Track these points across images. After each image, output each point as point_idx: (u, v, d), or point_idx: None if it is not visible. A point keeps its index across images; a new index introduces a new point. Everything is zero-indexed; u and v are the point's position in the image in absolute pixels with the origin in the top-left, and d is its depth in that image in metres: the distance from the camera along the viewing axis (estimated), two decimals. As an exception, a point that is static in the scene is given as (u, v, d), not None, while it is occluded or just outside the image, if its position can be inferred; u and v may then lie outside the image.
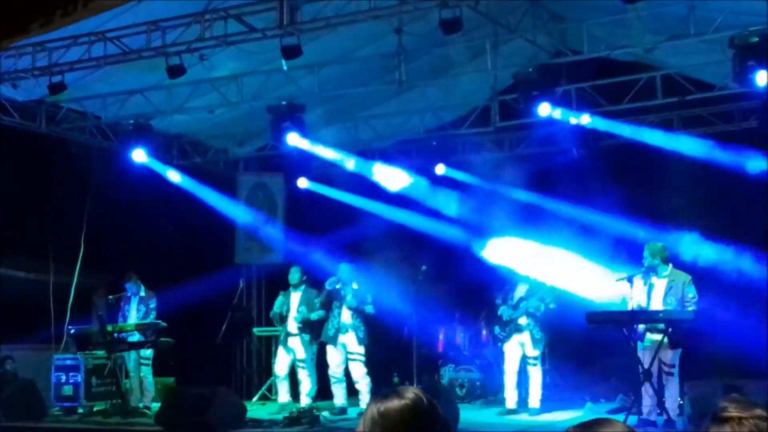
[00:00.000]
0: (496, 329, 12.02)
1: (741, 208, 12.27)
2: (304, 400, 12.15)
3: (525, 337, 11.62)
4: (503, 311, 11.73)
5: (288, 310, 12.42)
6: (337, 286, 12.00)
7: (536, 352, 11.64)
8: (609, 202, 12.72)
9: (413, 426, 2.62)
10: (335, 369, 12.05)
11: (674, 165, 13.02)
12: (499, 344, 11.98)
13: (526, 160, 14.51)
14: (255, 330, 15.36)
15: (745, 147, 12.25)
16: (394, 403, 2.65)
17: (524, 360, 11.70)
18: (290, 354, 12.40)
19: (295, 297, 12.43)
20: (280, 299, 12.58)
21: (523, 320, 11.61)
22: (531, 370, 11.67)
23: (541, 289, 11.59)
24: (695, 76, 12.24)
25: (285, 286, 12.71)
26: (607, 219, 12.98)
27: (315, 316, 12.21)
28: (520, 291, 11.75)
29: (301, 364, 12.35)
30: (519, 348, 11.68)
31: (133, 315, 12.77)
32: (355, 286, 11.96)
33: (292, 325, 12.34)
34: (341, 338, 11.94)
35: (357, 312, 11.87)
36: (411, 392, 2.70)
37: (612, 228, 13.01)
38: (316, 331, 12.31)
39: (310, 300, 12.32)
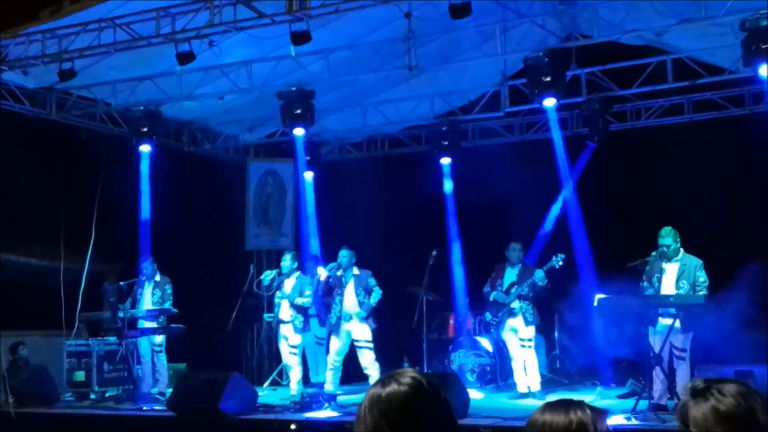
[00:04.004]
0: (488, 315, 12.08)
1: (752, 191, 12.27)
2: (294, 387, 12.25)
3: (518, 321, 11.74)
4: (496, 296, 11.85)
5: (282, 297, 12.52)
6: (338, 273, 11.92)
7: (530, 332, 11.69)
8: (621, 188, 12.73)
9: (409, 412, 2.58)
10: (334, 356, 11.97)
11: (687, 151, 13.02)
12: (492, 330, 12.08)
13: (536, 145, 14.50)
14: (265, 316, 15.39)
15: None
16: (390, 389, 2.61)
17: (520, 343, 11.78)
18: (286, 340, 12.51)
19: (289, 284, 12.51)
20: (271, 274, 12.67)
21: (515, 304, 11.71)
22: (526, 353, 11.72)
23: (532, 273, 11.65)
24: (706, 59, 12.19)
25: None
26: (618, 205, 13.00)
27: (299, 302, 12.30)
28: (511, 276, 11.84)
29: (293, 350, 12.42)
30: (513, 332, 11.78)
31: (147, 299, 12.78)
32: (356, 271, 11.92)
33: (285, 313, 12.43)
34: (345, 326, 11.82)
35: (362, 297, 11.84)
36: (408, 377, 2.65)
37: (623, 214, 13.03)
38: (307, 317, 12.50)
39: (303, 287, 12.42)
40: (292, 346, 12.44)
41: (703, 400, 2.54)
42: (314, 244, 14.42)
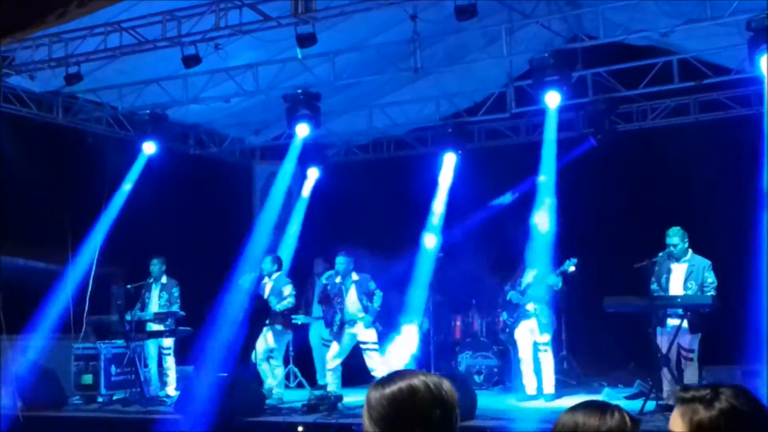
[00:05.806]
0: (504, 315, 12.06)
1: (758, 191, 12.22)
2: (275, 390, 12.24)
3: (533, 323, 11.67)
4: (512, 296, 11.81)
5: None
6: (337, 280, 11.88)
7: (545, 337, 11.64)
8: (628, 189, 12.70)
9: (404, 413, 2.54)
10: (332, 359, 11.95)
11: (694, 151, 12.97)
12: (507, 330, 12.03)
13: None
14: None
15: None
16: (385, 390, 2.58)
17: (535, 346, 11.72)
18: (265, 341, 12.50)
19: (268, 287, 12.50)
20: (250, 277, 12.72)
21: (530, 306, 11.65)
22: (542, 356, 11.67)
23: (549, 274, 11.60)
24: (712, 59, 12.16)
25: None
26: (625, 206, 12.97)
27: (280, 307, 12.26)
28: (529, 277, 11.78)
29: (271, 353, 12.40)
30: (529, 334, 11.72)
31: (155, 302, 12.83)
32: (355, 277, 11.87)
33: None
34: (349, 330, 11.79)
35: (365, 301, 11.80)
36: (405, 378, 2.60)
37: (630, 215, 13.00)
38: (288, 320, 12.50)
39: (279, 290, 12.37)
40: (271, 350, 12.44)
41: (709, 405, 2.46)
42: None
